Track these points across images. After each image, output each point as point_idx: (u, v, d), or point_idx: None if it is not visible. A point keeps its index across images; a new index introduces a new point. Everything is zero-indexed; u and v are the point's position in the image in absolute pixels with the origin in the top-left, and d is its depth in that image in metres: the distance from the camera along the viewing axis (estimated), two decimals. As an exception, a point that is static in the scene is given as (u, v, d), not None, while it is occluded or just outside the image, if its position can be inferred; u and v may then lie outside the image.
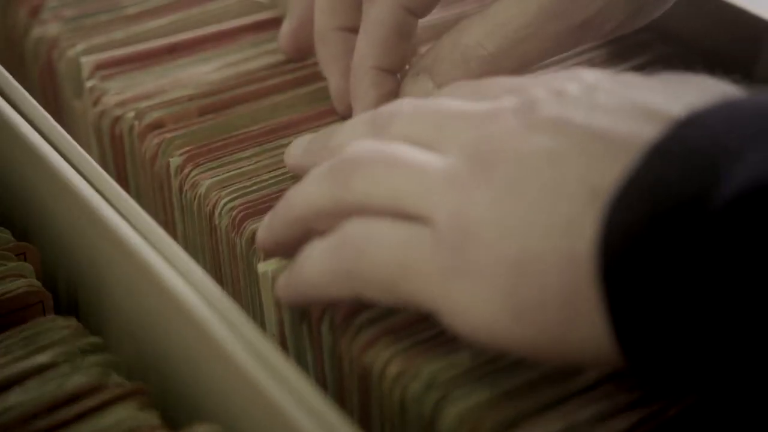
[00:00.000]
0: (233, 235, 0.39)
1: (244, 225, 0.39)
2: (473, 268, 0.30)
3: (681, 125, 0.28)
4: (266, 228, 0.36)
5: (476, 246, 0.30)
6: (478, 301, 0.30)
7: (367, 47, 0.41)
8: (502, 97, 0.33)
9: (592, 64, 0.50)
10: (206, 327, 0.32)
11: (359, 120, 0.36)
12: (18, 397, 0.32)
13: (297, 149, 0.39)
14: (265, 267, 0.36)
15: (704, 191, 0.27)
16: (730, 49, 0.50)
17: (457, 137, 0.32)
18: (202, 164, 0.42)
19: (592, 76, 0.32)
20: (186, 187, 0.42)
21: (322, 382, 0.36)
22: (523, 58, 0.40)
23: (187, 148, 0.43)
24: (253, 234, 0.37)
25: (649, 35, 0.52)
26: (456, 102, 0.33)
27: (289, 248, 0.35)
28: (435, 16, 0.53)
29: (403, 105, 0.35)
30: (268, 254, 0.37)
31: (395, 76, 0.42)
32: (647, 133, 0.28)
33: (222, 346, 0.31)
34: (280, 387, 0.30)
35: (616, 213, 0.28)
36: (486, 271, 0.29)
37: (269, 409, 0.30)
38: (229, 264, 0.41)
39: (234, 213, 0.40)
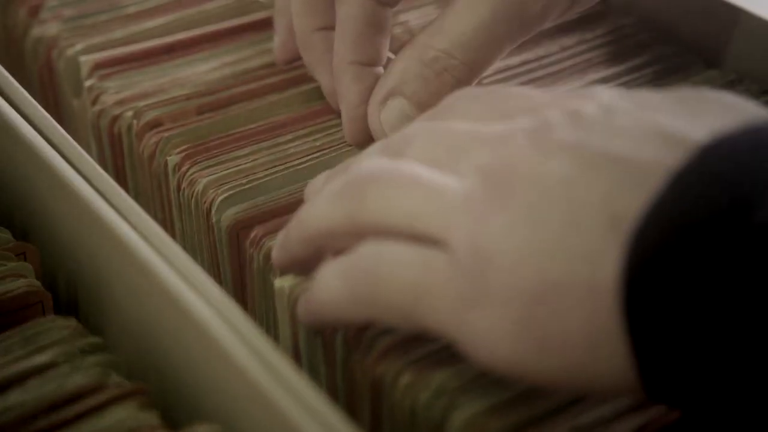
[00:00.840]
0: (228, 233, 0.39)
1: (249, 231, 0.39)
2: (491, 297, 0.29)
3: (705, 151, 0.27)
4: (281, 247, 0.35)
5: (494, 274, 0.29)
6: (496, 330, 0.29)
7: (343, 44, 0.41)
8: (516, 117, 0.32)
9: (590, 64, 0.50)
10: (206, 326, 0.32)
11: (373, 149, 0.36)
12: (18, 397, 0.32)
13: (317, 185, 0.38)
14: (281, 282, 0.36)
15: (732, 221, 0.26)
16: (729, 48, 0.50)
17: (473, 160, 0.31)
18: (200, 162, 0.42)
19: (608, 95, 0.31)
20: (184, 185, 0.42)
21: (333, 393, 0.36)
22: (488, 62, 0.41)
23: (185, 147, 0.43)
24: (269, 250, 0.37)
25: (648, 36, 0.52)
26: (469, 123, 0.33)
27: (305, 265, 0.35)
28: (431, 17, 0.53)
29: (416, 129, 0.34)
30: (285, 272, 0.36)
31: (375, 69, 0.42)
32: (668, 159, 0.28)
33: (222, 346, 0.31)
34: (279, 385, 0.30)
35: (639, 243, 0.27)
36: (504, 300, 0.29)
37: (269, 408, 0.30)
38: (228, 262, 0.41)
39: (233, 216, 0.40)
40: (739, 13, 0.49)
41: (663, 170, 0.28)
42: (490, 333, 0.29)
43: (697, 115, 0.29)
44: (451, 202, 0.31)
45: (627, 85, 0.49)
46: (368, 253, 0.32)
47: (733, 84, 0.49)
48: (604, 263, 0.27)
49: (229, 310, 0.32)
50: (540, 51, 0.51)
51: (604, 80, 0.49)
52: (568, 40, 0.51)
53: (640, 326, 0.27)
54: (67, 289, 0.41)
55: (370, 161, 0.34)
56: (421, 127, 0.34)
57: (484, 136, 0.32)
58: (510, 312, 0.29)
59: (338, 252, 0.34)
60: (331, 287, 0.33)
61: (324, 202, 0.34)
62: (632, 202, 0.28)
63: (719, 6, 0.50)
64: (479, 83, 0.45)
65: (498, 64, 0.50)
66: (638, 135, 0.29)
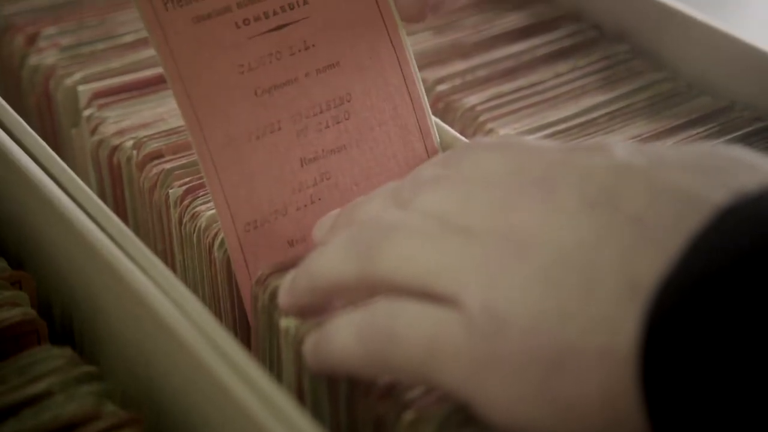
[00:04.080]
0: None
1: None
2: (506, 360, 0.29)
3: (723, 213, 0.27)
4: (288, 293, 0.35)
5: (509, 336, 0.28)
6: (511, 394, 0.29)
7: None
8: (527, 170, 0.31)
9: (584, 90, 0.50)
10: (201, 358, 0.32)
11: (383, 192, 0.35)
12: (13, 427, 0.32)
13: (324, 227, 0.38)
14: (287, 323, 0.36)
15: (752, 287, 0.26)
16: (721, 75, 0.50)
17: (485, 217, 0.31)
18: (202, 196, 0.42)
19: (622, 151, 0.30)
20: (186, 218, 0.42)
21: (336, 430, 0.36)
22: None
23: (187, 179, 0.43)
24: (275, 289, 0.37)
25: (641, 62, 0.52)
26: (480, 172, 0.32)
27: (312, 313, 0.35)
28: (429, 42, 0.54)
29: (428, 176, 0.34)
30: (291, 316, 0.36)
31: None
32: (686, 221, 0.27)
33: (217, 378, 0.31)
34: (273, 415, 0.30)
35: (657, 309, 0.27)
36: (519, 364, 0.28)
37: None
38: (228, 296, 0.41)
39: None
40: (732, 40, 0.50)
41: (681, 233, 0.27)
42: (505, 396, 0.29)
43: (714, 174, 0.29)
44: (464, 260, 0.30)
45: (620, 111, 0.49)
46: (382, 311, 0.32)
47: (725, 110, 0.49)
48: (621, 329, 0.27)
49: (225, 342, 0.32)
50: (534, 77, 0.51)
51: (597, 106, 0.49)
52: (562, 67, 0.52)
53: (658, 393, 0.27)
54: (62, 317, 0.41)
55: (381, 211, 0.34)
56: (433, 176, 0.34)
57: (496, 189, 0.31)
58: (526, 376, 0.28)
59: (347, 301, 0.34)
60: (345, 343, 0.32)
61: (334, 254, 0.33)
62: (650, 267, 0.27)
63: (712, 34, 0.50)
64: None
65: (493, 90, 0.50)
66: (655, 195, 0.28)
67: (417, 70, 0.41)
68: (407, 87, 0.41)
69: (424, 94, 0.42)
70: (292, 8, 0.39)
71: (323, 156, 0.40)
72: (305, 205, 0.40)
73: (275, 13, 0.39)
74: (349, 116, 0.40)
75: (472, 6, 0.57)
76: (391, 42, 0.41)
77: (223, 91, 0.38)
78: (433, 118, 0.42)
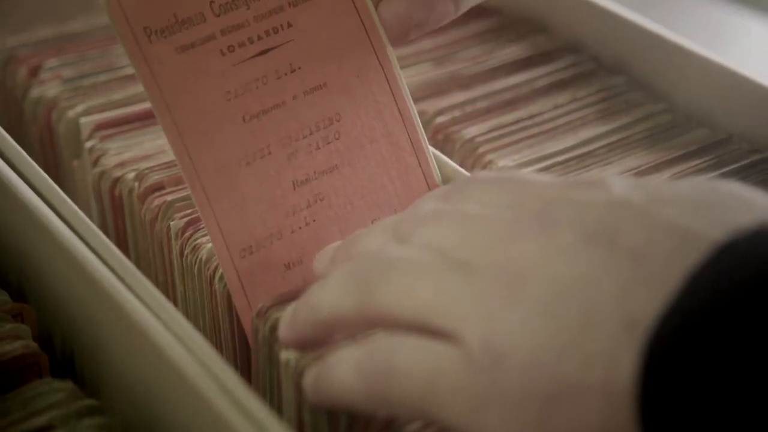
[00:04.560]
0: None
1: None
2: (505, 395, 0.29)
3: (721, 250, 0.27)
4: (288, 326, 0.35)
5: (508, 371, 0.29)
6: (510, 429, 0.29)
7: None
8: (526, 205, 0.32)
9: (583, 122, 0.51)
10: (201, 391, 0.32)
11: (382, 226, 0.36)
12: (14, 461, 0.32)
13: (324, 259, 0.38)
14: (288, 355, 0.36)
15: (750, 324, 0.26)
16: (719, 107, 0.51)
17: (484, 250, 0.31)
18: (203, 228, 0.42)
19: (619, 186, 0.31)
20: (187, 250, 0.42)
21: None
22: None
23: (188, 211, 0.43)
24: (275, 321, 0.37)
25: (639, 94, 0.53)
26: (479, 207, 0.33)
27: (313, 346, 0.35)
28: (429, 73, 0.54)
29: (428, 210, 0.34)
30: (292, 349, 0.36)
31: None
32: (684, 257, 0.27)
33: (217, 410, 0.31)
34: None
35: (655, 345, 0.27)
36: (518, 399, 0.29)
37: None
38: (228, 328, 0.41)
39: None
40: (729, 73, 0.50)
41: (678, 269, 0.27)
42: (504, 431, 0.29)
43: (711, 210, 0.29)
44: (463, 295, 0.30)
45: (618, 142, 0.49)
46: (382, 346, 0.32)
47: (723, 143, 0.49)
48: (620, 364, 0.27)
49: (225, 375, 0.32)
50: (534, 109, 0.52)
51: (596, 138, 0.50)
52: (561, 98, 0.52)
53: (656, 429, 0.27)
54: (63, 348, 0.41)
55: (381, 245, 0.34)
56: (432, 210, 0.34)
57: (494, 224, 0.31)
58: (525, 411, 0.29)
59: (348, 334, 0.34)
60: (344, 377, 0.32)
61: (334, 288, 0.33)
62: (647, 303, 0.27)
63: (710, 66, 0.51)
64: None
65: (493, 122, 0.50)
66: (652, 231, 0.29)
67: (406, 86, 0.42)
68: (396, 103, 0.41)
69: (415, 109, 0.42)
70: (276, 32, 0.39)
71: (315, 177, 0.40)
72: (300, 228, 0.40)
73: (260, 38, 0.39)
74: (340, 136, 0.40)
75: (472, 37, 0.57)
76: (378, 59, 0.41)
77: (211, 119, 0.38)
78: (433, 150, 0.42)
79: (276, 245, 0.39)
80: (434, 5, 0.40)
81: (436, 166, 0.42)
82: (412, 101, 0.42)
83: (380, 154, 0.41)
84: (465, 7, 0.41)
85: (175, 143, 0.38)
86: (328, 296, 0.34)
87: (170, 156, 0.46)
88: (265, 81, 0.39)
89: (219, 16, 0.38)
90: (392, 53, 0.41)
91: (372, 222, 0.41)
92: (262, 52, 0.39)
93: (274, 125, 0.39)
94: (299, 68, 0.40)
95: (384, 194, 0.41)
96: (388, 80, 0.41)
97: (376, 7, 0.41)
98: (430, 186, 0.42)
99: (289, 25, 0.39)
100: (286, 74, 0.39)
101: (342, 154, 0.40)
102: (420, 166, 0.42)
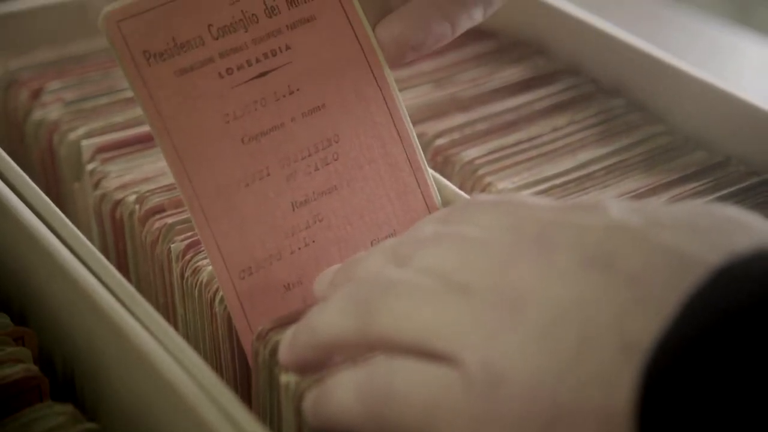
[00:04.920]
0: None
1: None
2: (504, 419, 0.29)
3: (718, 274, 0.27)
4: (288, 349, 0.35)
5: (507, 395, 0.29)
6: None
7: None
8: (525, 228, 0.32)
9: (581, 144, 0.51)
10: (201, 414, 0.32)
11: (382, 249, 0.36)
12: (14, 485, 0.32)
13: (324, 282, 0.38)
14: (288, 378, 0.36)
15: (748, 348, 0.26)
16: (717, 130, 0.51)
17: (484, 273, 0.31)
18: (203, 251, 0.42)
19: (617, 209, 0.31)
20: (187, 273, 0.42)
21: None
22: None
23: (189, 234, 0.43)
24: (276, 344, 0.37)
25: (638, 116, 0.53)
26: (478, 230, 0.33)
27: (313, 368, 0.35)
28: (429, 96, 0.54)
29: (427, 233, 0.34)
30: (292, 372, 0.36)
31: None
32: (680, 281, 0.28)
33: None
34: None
35: (653, 369, 0.27)
36: (517, 423, 0.29)
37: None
38: (229, 350, 0.41)
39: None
40: (727, 96, 0.50)
41: (675, 293, 0.28)
42: None
43: (708, 234, 0.29)
44: (463, 318, 0.30)
45: (617, 165, 0.50)
46: (381, 369, 0.32)
47: (721, 165, 0.49)
48: (618, 388, 0.27)
49: (225, 398, 0.33)
50: (533, 131, 0.52)
51: (594, 160, 0.50)
52: (559, 121, 0.53)
53: None
54: (64, 371, 0.41)
55: (380, 267, 0.34)
56: (432, 233, 0.34)
57: (493, 247, 0.32)
58: None
59: (347, 357, 0.34)
60: (344, 401, 0.33)
61: (334, 311, 0.34)
62: (645, 327, 0.27)
63: (708, 89, 0.51)
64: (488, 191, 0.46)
65: (492, 144, 0.51)
66: (649, 255, 0.29)
67: (404, 107, 0.42)
68: (395, 124, 0.42)
69: (413, 130, 0.42)
70: (274, 54, 0.40)
71: (314, 198, 0.40)
72: (299, 249, 0.40)
73: (258, 61, 0.39)
74: (338, 157, 0.41)
75: (471, 59, 0.58)
76: (376, 80, 0.41)
77: (210, 141, 0.38)
78: (432, 172, 0.43)
79: (275, 266, 0.39)
80: (431, 27, 0.40)
81: (434, 186, 0.42)
82: (410, 122, 0.42)
83: (379, 174, 0.41)
84: (461, 30, 0.41)
85: (174, 165, 0.38)
86: (328, 319, 0.34)
87: (171, 179, 0.46)
88: (264, 103, 0.39)
89: (217, 39, 0.39)
90: (390, 74, 0.41)
91: (371, 242, 0.41)
92: (261, 75, 0.39)
93: (273, 147, 0.39)
94: (297, 90, 0.40)
95: (383, 214, 0.41)
96: (386, 101, 0.41)
97: (374, 29, 0.41)
98: (429, 205, 0.42)
99: (288, 48, 0.40)
100: (284, 96, 0.40)
101: (341, 175, 0.41)
102: (419, 186, 0.42)
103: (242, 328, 0.39)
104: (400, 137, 0.42)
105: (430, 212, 0.42)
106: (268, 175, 0.39)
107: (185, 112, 0.38)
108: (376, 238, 0.41)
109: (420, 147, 0.42)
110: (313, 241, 0.40)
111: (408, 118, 0.42)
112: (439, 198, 0.43)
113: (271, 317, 0.39)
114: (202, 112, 0.38)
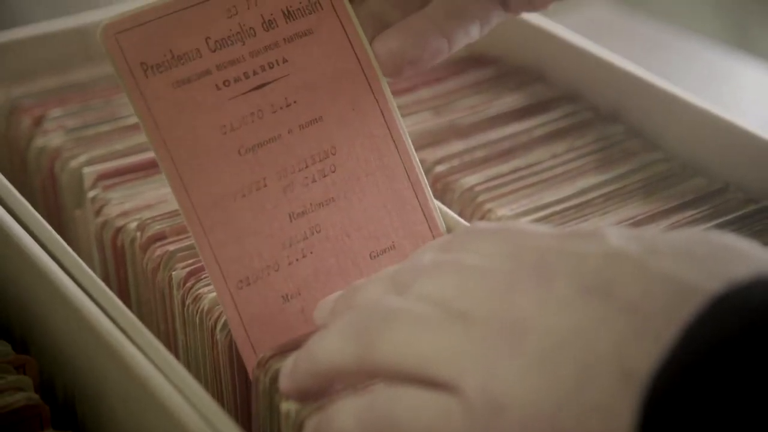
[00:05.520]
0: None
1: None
2: None
3: (717, 302, 0.28)
4: (289, 376, 0.36)
5: (507, 423, 0.29)
6: None
7: None
8: (524, 256, 0.32)
9: (580, 171, 0.51)
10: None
11: (382, 276, 0.36)
12: None
13: (324, 310, 0.39)
14: (288, 406, 0.36)
15: (747, 377, 0.26)
16: (715, 159, 0.51)
17: (483, 301, 0.31)
18: (205, 278, 0.42)
19: (616, 238, 0.31)
20: (188, 300, 0.42)
21: None
22: None
23: (190, 261, 0.43)
24: (276, 372, 0.38)
25: (636, 143, 0.53)
26: (478, 258, 0.33)
27: (313, 396, 0.36)
28: (428, 122, 0.54)
29: (427, 261, 0.34)
30: (292, 399, 0.37)
31: None
32: (678, 310, 0.28)
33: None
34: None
35: (652, 398, 0.27)
36: None
37: None
38: (230, 378, 0.41)
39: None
40: (725, 124, 0.51)
41: (673, 322, 0.28)
42: None
43: (706, 262, 0.29)
44: (463, 346, 0.31)
45: (615, 192, 0.50)
46: (382, 397, 0.32)
47: (719, 192, 0.50)
48: (617, 417, 0.27)
49: (226, 426, 0.33)
50: (532, 158, 0.52)
51: (593, 188, 0.50)
52: (558, 148, 0.53)
53: None
54: (65, 399, 0.41)
55: (380, 295, 0.34)
56: (432, 261, 0.34)
57: (492, 276, 0.32)
58: None
59: (348, 385, 0.34)
60: (345, 429, 0.33)
61: (334, 339, 0.34)
62: (644, 355, 0.28)
63: (706, 116, 0.51)
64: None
65: (491, 171, 0.51)
66: (648, 283, 0.29)
67: (401, 119, 0.42)
68: (392, 136, 0.42)
69: (410, 140, 0.42)
70: (271, 67, 0.40)
71: (312, 210, 0.40)
72: (297, 260, 0.40)
73: (255, 73, 0.40)
74: (336, 169, 0.41)
75: (471, 86, 0.58)
76: (373, 93, 0.41)
77: (207, 153, 0.39)
78: (435, 202, 0.43)
79: (273, 277, 0.40)
80: (427, 42, 0.41)
81: (432, 197, 0.42)
82: (407, 134, 0.42)
83: (376, 186, 0.42)
84: (458, 46, 0.42)
85: (171, 176, 0.38)
86: (328, 347, 0.34)
87: (172, 206, 0.47)
88: (261, 115, 0.40)
89: (215, 51, 0.39)
90: (387, 87, 0.42)
91: (369, 254, 0.41)
92: (258, 87, 0.40)
93: (270, 158, 0.40)
94: (294, 102, 0.40)
95: (381, 226, 0.41)
96: (383, 114, 0.42)
97: (371, 42, 0.41)
98: (426, 216, 0.42)
99: (284, 60, 0.40)
100: (281, 108, 0.40)
101: (338, 186, 0.41)
102: (416, 198, 0.42)
103: (240, 336, 0.39)
104: (397, 150, 0.42)
105: (427, 223, 0.42)
106: (265, 186, 0.40)
107: (182, 123, 0.38)
108: (374, 249, 0.41)
109: (418, 159, 0.42)
110: (311, 252, 0.40)
111: (406, 131, 0.42)
112: (437, 206, 0.43)
113: (269, 327, 0.39)
114: (199, 124, 0.39)
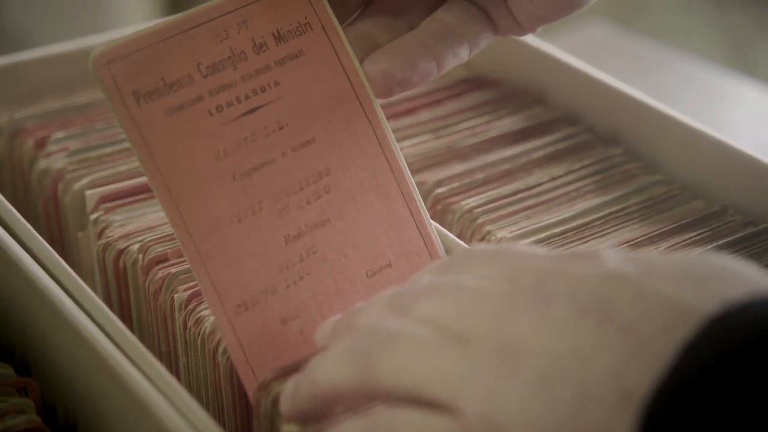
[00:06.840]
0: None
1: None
2: None
3: (713, 323, 0.28)
4: (290, 399, 0.36)
5: None
6: None
7: None
8: (522, 278, 0.32)
9: (579, 193, 0.51)
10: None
11: (382, 299, 0.36)
12: None
13: (324, 333, 0.39)
14: (289, 428, 0.37)
15: (745, 398, 0.26)
16: (713, 180, 0.52)
17: (482, 323, 0.32)
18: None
19: (612, 259, 0.31)
20: (190, 323, 0.42)
21: None
22: None
23: (192, 284, 0.44)
24: (277, 395, 0.38)
25: (635, 166, 0.54)
26: (476, 281, 0.33)
27: (314, 419, 0.36)
28: (428, 144, 0.55)
29: (425, 283, 0.35)
30: (293, 422, 0.37)
31: None
32: (675, 331, 0.28)
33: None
34: None
35: (649, 420, 0.27)
36: None
37: None
38: (231, 401, 0.41)
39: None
40: (724, 146, 0.51)
41: (670, 343, 0.28)
42: None
43: (703, 283, 0.30)
44: (461, 369, 0.31)
45: (614, 214, 0.50)
46: (382, 420, 0.32)
47: (718, 214, 0.50)
48: None
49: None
50: (530, 180, 0.52)
51: (592, 210, 0.50)
52: (557, 170, 0.53)
53: None
54: (66, 421, 0.41)
55: (379, 318, 0.34)
56: (431, 283, 0.35)
57: (492, 301, 0.32)
58: None
59: (348, 408, 0.34)
60: None
61: (334, 362, 0.34)
62: (641, 376, 0.28)
63: (705, 139, 0.52)
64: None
65: (490, 193, 0.51)
66: (645, 305, 0.29)
67: (394, 138, 0.42)
68: (385, 155, 0.42)
69: (403, 160, 0.42)
70: (263, 90, 0.40)
71: (308, 231, 0.40)
72: (295, 282, 0.40)
73: (247, 97, 0.40)
74: (330, 190, 0.41)
75: (470, 109, 0.58)
76: (365, 113, 0.42)
77: (202, 179, 0.39)
78: (432, 222, 0.43)
79: (271, 300, 0.40)
80: (416, 64, 0.41)
81: (427, 213, 0.43)
82: (401, 153, 0.42)
83: (371, 206, 0.42)
84: (447, 68, 0.42)
85: (167, 204, 0.38)
86: (328, 370, 0.34)
87: (174, 228, 0.47)
88: (254, 139, 0.40)
89: (206, 77, 0.39)
90: (379, 107, 0.42)
91: (367, 273, 0.42)
92: (250, 111, 0.40)
93: (265, 182, 0.40)
94: (287, 125, 0.40)
95: (377, 245, 0.42)
96: (375, 134, 0.42)
97: (360, 63, 0.42)
98: (422, 234, 0.42)
99: (276, 84, 0.40)
100: (274, 131, 0.40)
101: (333, 207, 0.41)
102: (411, 216, 0.42)
103: (240, 361, 0.39)
104: (391, 168, 0.42)
105: (423, 240, 0.42)
106: (261, 210, 0.40)
107: (176, 150, 0.38)
108: (371, 269, 0.42)
109: (412, 178, 0.42)
110: (308, 274, 0.40)
111: (399, 150, 0.42)
112: (432, 223, 0.43)
113: (269, 351, 0.39)
114: (193, 150, 0.39)
